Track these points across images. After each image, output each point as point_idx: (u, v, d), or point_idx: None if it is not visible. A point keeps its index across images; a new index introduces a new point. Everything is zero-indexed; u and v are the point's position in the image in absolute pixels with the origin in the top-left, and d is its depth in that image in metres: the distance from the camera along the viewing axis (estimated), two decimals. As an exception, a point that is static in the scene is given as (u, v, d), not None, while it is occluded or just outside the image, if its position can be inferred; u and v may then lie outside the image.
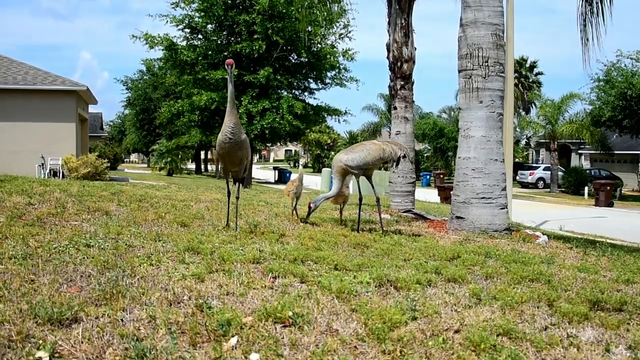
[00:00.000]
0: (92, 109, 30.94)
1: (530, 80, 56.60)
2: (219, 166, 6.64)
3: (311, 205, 7.38)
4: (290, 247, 5.55)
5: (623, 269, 5.68)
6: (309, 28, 26.92)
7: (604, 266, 5.89)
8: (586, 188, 35.15)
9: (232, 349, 2.83)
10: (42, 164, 21.74)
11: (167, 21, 29.61)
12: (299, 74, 31.52)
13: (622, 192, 37.03)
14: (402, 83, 11.13)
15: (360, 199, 7.53)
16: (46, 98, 22.43)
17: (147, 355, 2.65)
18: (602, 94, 34.12)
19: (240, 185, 6.80)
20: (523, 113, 49.93)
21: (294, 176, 7.71)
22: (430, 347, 3.03)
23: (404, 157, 7.48)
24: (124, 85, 53.93)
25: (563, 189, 39.21)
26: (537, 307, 3.90)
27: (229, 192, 6.95)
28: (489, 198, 8.05)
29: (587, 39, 9.66)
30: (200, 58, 29.17)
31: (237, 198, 6.64)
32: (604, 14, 9.46)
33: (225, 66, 5.81)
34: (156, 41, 29.54)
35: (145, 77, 51.55)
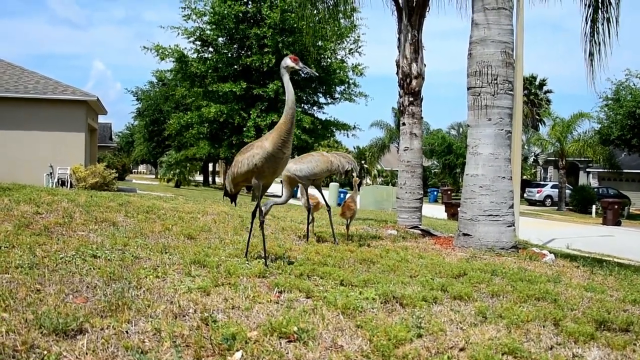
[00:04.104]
0: (101, 119, 31.11)
1: (540, 97, 56.65)
2: (228, 179, 5.97)
3: (262, 209, 7.20)
4: (296, 261, 5.55)
5: (630, 288, 5.63)
6: (319, 42, 27.13)
7: (610, 286, 5.85)
8: (594, 206, 34.98)
9: (236, 364, 2.83)
10: (51, 173, 21.84)
11: (178, 33, 29.96)
12: (308, 88, 31.71)
13: (630, 210, 36.84)
14: (411, 99, 11.13)
15: (329, 209, 7.64)
16: (56, 107, 22.55)
17: (151, 368, 2.66)
18: (611, 112, 34.14)
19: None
20: (532, 130, 49.89)
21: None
22: (435, 366, 3.02)
23: (351, 170, 7.58)
24: (134, 96, 54.48)
25: (571, 207, 39.04)
26: (543, 326, 3.88)
27: (232, 200, 6.14)
28: (496, 215, 8.02)
29: (592, 60, 9.71)
30: (210, 71, 29.41)
31: (262, 222, 5.56)
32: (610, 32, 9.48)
33: (290, 63, 5.03)
34: (167, 53, 29.85)
35: (155, 89, 51.94)
